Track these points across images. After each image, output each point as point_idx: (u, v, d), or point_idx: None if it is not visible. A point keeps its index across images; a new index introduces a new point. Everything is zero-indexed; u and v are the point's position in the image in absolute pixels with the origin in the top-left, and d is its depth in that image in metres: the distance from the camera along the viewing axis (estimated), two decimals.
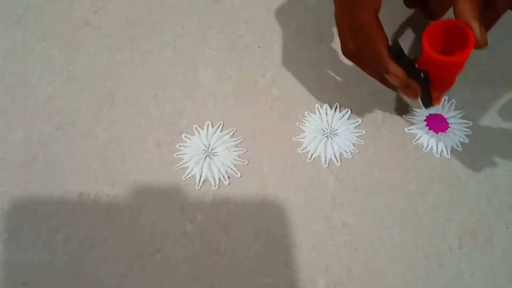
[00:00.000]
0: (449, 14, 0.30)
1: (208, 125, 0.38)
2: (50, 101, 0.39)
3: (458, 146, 0.38)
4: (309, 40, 0.42)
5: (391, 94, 0.40)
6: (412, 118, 0.39)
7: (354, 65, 0.40)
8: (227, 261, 0.34)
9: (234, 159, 0.37)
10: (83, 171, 0.36)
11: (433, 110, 0.39)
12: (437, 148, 0.38)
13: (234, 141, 0.38)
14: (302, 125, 0.39)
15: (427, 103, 0.34)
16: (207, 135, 0.38)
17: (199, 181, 0.36)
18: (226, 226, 0.35)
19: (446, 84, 0.32)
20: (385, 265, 0.34)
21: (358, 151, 0.38)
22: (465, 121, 0.39)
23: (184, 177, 0.36)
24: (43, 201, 0.35)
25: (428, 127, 0.39)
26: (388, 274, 0.34)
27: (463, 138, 0.38)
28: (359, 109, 0.39)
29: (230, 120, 0.39)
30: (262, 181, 0.36)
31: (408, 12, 0.43)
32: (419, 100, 0.34)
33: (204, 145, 0.37)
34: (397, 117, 0.39)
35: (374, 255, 0.34)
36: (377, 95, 0.40)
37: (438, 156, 0.38)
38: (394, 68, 0.30)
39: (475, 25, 0.28)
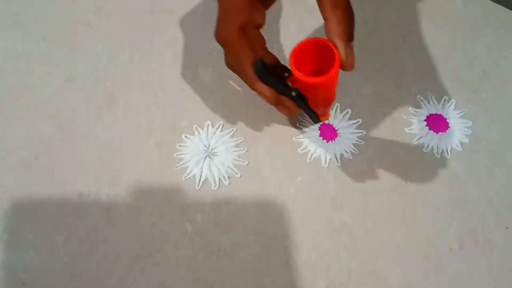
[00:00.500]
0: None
1: (208, 125, 0.38)
2: (50, 101, 0.39)
3: (458, 146, 0.38)
4: None
5: (391, 94, 0.40)
6: (412, 118, 0.39)
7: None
8: (227, 261, 0.34)
9: (234, 159, 0.37)
10: (83, 171, 0.36)
11: (433, 110, 0.39)
12: (437, 148, 0.38)
13: (234, 141, 0.38)
14: (302, 125, 0.39)
15: (314, 119, 0.33)
16: (207, 135, 0.38)
17: (199, 181, 0.36)
18: (226, 226, 0.35)
19: (321, 101, 0.31)
20: (385, 265, 0.34)
21: (358, 151, 0.38)
22: (465, 121, 0.39)
23: (184, 177, 0.36)
24: (43, 201, 0.35)
25: (428, 127, 0.39)
26: (388, 275, 0.34)
27: (463, 138, 0.38)
28: (359, 109, 0.39)
29: (230, 120, 0.39)
30: (262, 181, 0.36)
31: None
32: (298, 117, 0.33)
33: (204, 145, 0.37)
34: (397, 117, 0.39)
35: (374, 255, 0.34)
36: (377, 95, 0.40)
37: (438, 156, 0.38)
38: (260, 87, 0.29)
39: (341, 47, 0.26)
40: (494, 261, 0.34)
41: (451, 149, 0.38)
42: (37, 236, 0.34)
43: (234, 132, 0.38)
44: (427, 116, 0.39)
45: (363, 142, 0.38)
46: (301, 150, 0.38)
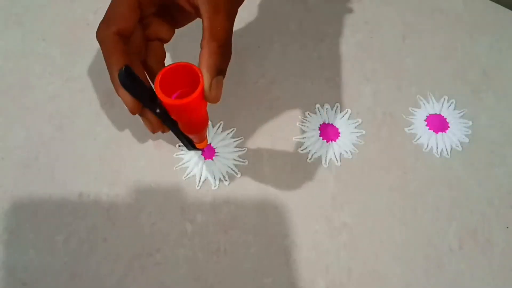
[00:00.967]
0: None
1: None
2: (50, 101, 0.39)
3: (458, 146, 0.38)
4: (309, 40, 0.42)
5: (391, 94, 0.40)
6: (411, 118, 0.39)
7: (354, 65, 0.40)
8: (227, 261, 0.34)
9: (234, 159, 0.37)
10: (83, 171, 0.36)
11: (433, 111, 0.39)
12: (437, 148, 0.38)
13: (234, 141, 0.38)
14: (302, 125, 0.39)
15: (186, 144, 0.32)
16: (207, 135, 0.38)
17: (199, 181, 0.36)
18: (226, 226, 0.35)
19: (188, 126, 0.29)
20: (385, 265, 0.34)
21: (358, 151, 0.38)
22: (465, 121, 0.39)
23: (184, 177, 0.36)
24: (43, 201, 0.35)
25: (428, 127, 0.39)
26: (388, 274, 0.34)
27: (463, 138, 0.38)
28: (359, 109, 0.39)
29: (230, 120, 0.39)
30: (262, 181, 0.36)
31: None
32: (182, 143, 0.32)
33: None
34: (397, 117, 0.39)
35: (374, 255, 0.34)
36: (377, 95, 0.40)
37: (438, 156, 0.38)
38: (122, 93, 0.28)
39: (206, 78, 0.26)
40: (494, 261, 0.34)
41: (451, 149, 0.38)
42: (37, 236, 0.34)
43: (234, 132, 0.38)
44: (427, 116, 0.39)
45: (363, 142, 0.38)
46: (301, 150, 0.38)
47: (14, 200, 0.35)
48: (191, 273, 0.33)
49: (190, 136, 0.31)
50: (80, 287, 0.33)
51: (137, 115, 0.29)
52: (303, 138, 0.38)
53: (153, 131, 0.30)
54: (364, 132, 0.38)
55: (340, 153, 0.37)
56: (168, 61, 0.41)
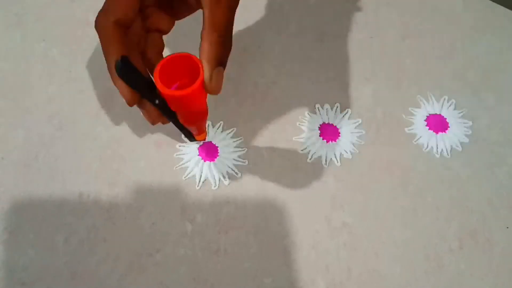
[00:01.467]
0: None
1: (208, 125, 0.38)
2: (50, 101, 0.39)
3: (458, 146, 0.38)
4: (309, 40, 0.42)
5: (391, 94, 0.40)
6: (411, 118, 0.39)
7: (354, 65, 0.40)
8: (227, 261, 0.34)
9: (234, 159, 0.37)
10: (83, 171, 0.36)
11: (433, 110, 0.39)
12: (437, 148, 0.38)
13: (234, 141, 0.38)
14: (302, 125, 0.39)
15: (187, 135, 0.32)
16: (207, 135, 0.38)
17: (199, 181, 0.36)
18: (226, 226, 0.35)
19: (186, 117, 0.29)
20: (385, 265, 0.34)
21: (358, 151, 0.38)
22: (465, 121, 0.39)
23: (184, 177, 0.36)
24: (43, 201, 0.35)
25: (428, 127, 0.39)
26: (388, 274, 0.34)
27: (463, 138, 0.38)
28: (359, 109, 0.39)
29: (230, 120, 0.39)
30: (262, 181, 0.36)
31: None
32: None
33: None
34: (397, 117, 0.39)
35: (374, 255, 0.34)
36: (377, 95, 0.40)
37: (438, 156, 0.38)
38: (119, 84, 0.28)
39: (206, 69, 0.25)
40: (494, 261, 0.34)
41: (451, 149, 0.38)
42: (37, 236, 0.34)
43: (234, 132, 0.38)
44: (427, 116, 0.39)
45: (363, 142, 0.38)
46: (301, 150, 0.38)
47: (14, 200, 0.35)
48: (191, 273, 0.33)
49: (189, 127, 0.31)
50: (80, 287, 0.33)
51: (136, 107, 0.28)
52: (303, 138, 0.38)
53: (153, 123, 0.30)
54: (364, 132, 0.38)
55: (340, 153, 0.37)
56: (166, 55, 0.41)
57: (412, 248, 0.34)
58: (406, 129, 0.39)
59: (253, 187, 0.36)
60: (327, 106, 0.39)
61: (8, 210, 0.35)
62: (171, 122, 0.30)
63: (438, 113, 0.39)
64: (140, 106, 0.29)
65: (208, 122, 0.38)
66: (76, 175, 0.36)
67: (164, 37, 0.32)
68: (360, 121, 0.39)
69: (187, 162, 0.37)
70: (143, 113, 0.30)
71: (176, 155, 0.37)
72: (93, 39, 0.42)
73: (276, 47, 0.42)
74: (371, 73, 0.41)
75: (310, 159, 0.37)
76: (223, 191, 0.36)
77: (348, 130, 0.38)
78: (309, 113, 0.39)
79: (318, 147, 0.38)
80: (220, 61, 0.27)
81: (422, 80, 0.41)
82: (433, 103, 0.40)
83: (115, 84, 0.28)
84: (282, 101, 0.40)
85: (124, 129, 0.38)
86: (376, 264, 0.34)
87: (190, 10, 0.31)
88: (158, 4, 0.30)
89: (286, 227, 0.35)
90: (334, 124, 0.39)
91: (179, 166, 0.37)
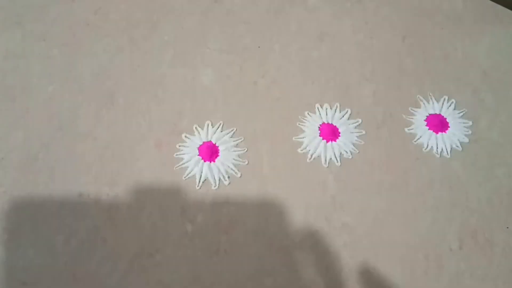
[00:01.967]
0: None
1: (208, 125, 0.38)
2: (50, 102, 0.39)
3: (458, 146, 0.38)
4: (309, 40, 0.42)
5: (391, 94, 0.40)
6: (411, 118, 0.39)
7: (354, 65, 0.40)
8: (227, 261, 0.34)
9: (234, 159, 0.37)
10: (83, 171, 0.36)
11: (433, 111, 0.39)
12: (437, 148, 0.38)
13: (234, 141, 0.38)
14: (302, 125, 0.39)
15: None
16: (207, 135, 0.38)
17: (199, 181, 0.36)
18: (226, 226, 0.35)
19: None
20: (385, 265, 0.34)
21: (358, 151, 0.38)
22: (465, 121, 0.39)
23: (184, 177, 0.36)
24: (43, 201, 0.35)
25: (428, 127, 0.39)
26: (388, 275, 0.34)
27: (463, 138, 0.38)
28: (359, 109, 0.39)
29: (230, 120, 0.39)
30: (262, 181, 0.36)
31: None
32: None
33: None
34: (397, 117, 0.39)
35: (374, 255, 0.34)
36: (377, 95, 0.40)
37: (438, 156, 0.38)
38: None
39: None
40: (494, 261, 0.34)
41: (451, 149, 0.38)
42: (37, 236, 0.34)
43: (234, 132, 0.38)
44: (427, 116, 0.39)
45: (363, 142, 0.38)
46: (301, 150, 0.38)
47: (14, 200, 0.35)
48: (191, 273, 0.33)
49: None
50: (80, 287, 0.33)
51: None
52: (303, 138, 0.38)
53: None
54: (364, 132, 0.38)
55: (340, 153, 0.37)
56: (168, 61, 0.41)
57: (412, 248, 0.34)
58: (406, 129, 0.39)
59: (253, 187, 0.36)
60: (327, 106, 0.39)
61: (8, 210, 0.35)
62: None
63: (438, 113, 0.39)
64: None
65: (208, 122, 0.38)
66: (76, 175, 0.36)
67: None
68: (360, 121, 0.39)
69: (187, 162, 0.37)
70: None
71: (176, 155, 0.37)
72: (93, 39, 0.42)
73: (276, 47, 0.42)
74: (371, 73, 0.41)
75: (310, 159, 0.37)
76: (223, 191, 0.36)
77: (348, 130, 0.38)
78: (309, 113, 0.39)
79: (318, 147, 0.38)
80: None
81: (422, 80, 0.41)
82: (433, 103, 0.40)
83: None
84: (282, 101, 0.40)
85: (124, 129, 0.38)
86: (376, 264, 0.34)
87: None
88: None
89: (286, 227, 0.35)
90: (334, 124, 0.39)
91: (179, 166, 0.37)
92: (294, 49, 0.42)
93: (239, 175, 0.36)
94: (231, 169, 0.37)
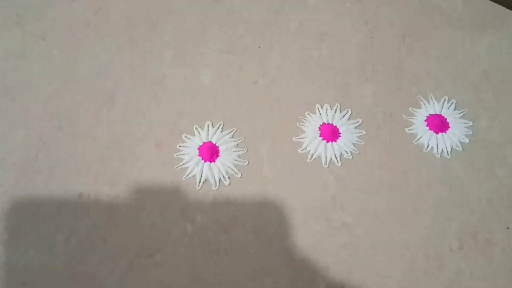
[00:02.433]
0: None
1: (208, 125, 0.38)
2: (50, 101, 0.39)
3: (458, 146, 0.38)
4: (309, 40, 0.42)
5: (391, 94, 0.40)
6: (412, 118, 0.39)
7: (354, 65, 0.40)
8: (227, 261, 0.34)
9: (234, 159, 0.37)
10: (83, 171, 0.36)
11: (433, 111, 0.39)
12: (437, 148, 0.38)
13: (234, 141, 0.38)
14: (302, 125, 0.39)
15: None
16: (207, 135, 0.38)
17: (199, 181, 0.36)
18: (226, 226, 0.35)
19: None
20: (385, 265, 0.34)
21: (358, 151, 0.38)
22: (465, 121, 0.39)
23: (185, 177, 0.36)
24: (43, 201, 0.35)
25: (428, 127, 0.39)
26: (388, 274, 0.34)
27: (463, 138, 0.38)
28: (359, 109, 0.39)
29: (230, 120, 0.39)
30: (262, 181, 0.36)
31: None
32: None
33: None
34: (397, 117, 0.39)
35: (374, 255, 0.34)
36: (377, 95, 0.40)
37: (438, 156, 0.38)
38: None
39: None
40: (494, 261, 0.34)
41: (451, 149, 0.38)
42: (37, 236, 0.34)
43: (234, 132, 0.38)
44: (427, 116, 0.39)
45: (363, 142, 0.38)
46: (301, 150, 0.38)
47: (14, 200, 0.35)
48: (191, 273, 0.33)
49: None
50: (80, 287, 0.33)
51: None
52: (303, 138, 0.38)
53: None
54: (364, 132, 0.38)
55: (340, 153, 0.37)
56: (168, 61, 0.41)
57: (412, 248, 0.34)
58: (406, 129, 0.39)
59: (253, 187, 0.36)
60: (327, 106, 0.39)
61: (8, 210, 0.35)
62: None
63: (438, 113, 0.39)
64: None
65: (208, 122, 0.38)
66: (76, 175, 0.36)
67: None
68: (360, 121, 0.39)
69: (187, 162, 0.37)
70: None
71: (176, 155, 0.37)
72: (93, 39, 0.42)
73: (276, 47, 0.42)
74: (371, 73, 0.41)
75: (310, 159, 0.37)
76: (223, 191, 0.36)
77: (348, 130, 0.38)
78: (309, 113, 0.39)
79: (318, 147, 0.38)
80: None
81: (422, 80, 0.41)
82: (433, 103, 0.40)
83: None
84: (282, 101, 0.40)
85: (124, 129, 0.38)
86: (376, 264, 0.34)
87: None
88: None
89: (286, 227, 0.35)
90: (334, 124, 0.39)
91: (179, 166, 0.37)
92: (294, 49, 0.42)
93: (239, 175, 0.36)
94: (232, 169, 0.37)
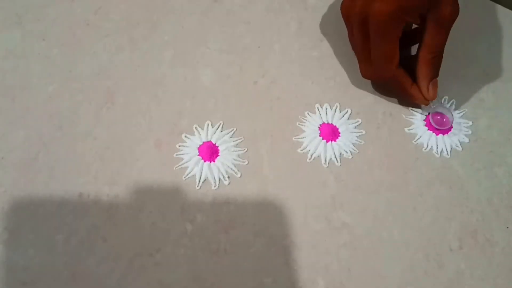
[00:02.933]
0: None
1: (208, 125, 0.38)
2: (50, 101, 0.39)
3: (458, 146, 0.38)
4: (309, 40, 0.42)
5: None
6: (412, 118, 0.39)
7: (354, 65, 0.40)
8: (227, 261, 0.34)
9: (234, 159, 0.37)
10: (83, 171, 0.36)
11: (432, 111, 0.39)
12: (437, 148, 0.38)
13: (234, 141, 0.38)
14: (302, 125, 0.39)
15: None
16: (207, 135, 0.38)
17: (199, 181, 0.36)
18: (226, 226, 0.35)
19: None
20: (385, 265, 0.34)
21: (358, 151, 0.38)
22: (465, 121, 0.39)
23: (184, 177, 0.36)
24: (43, 201, 0.35)
25: (428, 127, 0.39)
26: (388, 274, 0.34)
27: (463, 138, 0.38)
28: (359, 109, 0.39)
29: (230, 120, 0.39)
30: (262, 181, 0.36)
31: None
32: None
33: None
34: (397, 117, 0.39)
35: (374, 255, 0.34)
36: (377, 95, 0.40)
37: (438, 156, 0.38)
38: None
39: (424, 85, 0.36)
40: (494, 261, 0.34)
41: (451, 149, 0.38)
42: (37, 236, 0.34)
43: (234, 132, 0.38)
44: (427, 116, 0.39)
45: (363, 142, 0.38)
46: (301, 150, 0.38)
47: (14, 200, 0.35)
48: (191, 273, 0.33)
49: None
50: (80, 287, 0.33)
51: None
52: (303, 138, 0.38)
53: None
54: (364, 132, 0.38)
55: (340, 153, 0.37)
56: (168, 61, 0.41)
57: (412, 248, 0.34)
58: (406, 129, 0.39)
59: (253, 187, 0.36)
60: (327, 106, 0.39)
61: (8, 210, 0.35)
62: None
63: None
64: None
65: (208, 122, 0.38)
66: (76, 175, 0.36)
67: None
68: (360, 121, 0.39)
69: (187, 162, 0.37)
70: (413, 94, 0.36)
71: (176, 155, 0.37)
72: (93, 39, 0.42)
73: (276, 47, 0.42)
74: None
75: (310, 159, 0.37)
76: (223, 191, 0.36)
77: (348, 129, 0.38)
78: (309, 113, 0.39)
79: (318, 147, 0.38)
80: (434, 75, 0.36)
81: None
82: (433, 103, 0.40)
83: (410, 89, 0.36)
84: (282, 101, 0.40)
85: (124, 129, 0.38)
86: (376, 264, 0.34)
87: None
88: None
89: (286, 227, 0.35)
90: (334, 124, 0.39)
91: (179, 166, 0.37)
92: (294, 49, 0.42)
93: (239, 175, 0.36)
94: (231, 169, 0.37)
